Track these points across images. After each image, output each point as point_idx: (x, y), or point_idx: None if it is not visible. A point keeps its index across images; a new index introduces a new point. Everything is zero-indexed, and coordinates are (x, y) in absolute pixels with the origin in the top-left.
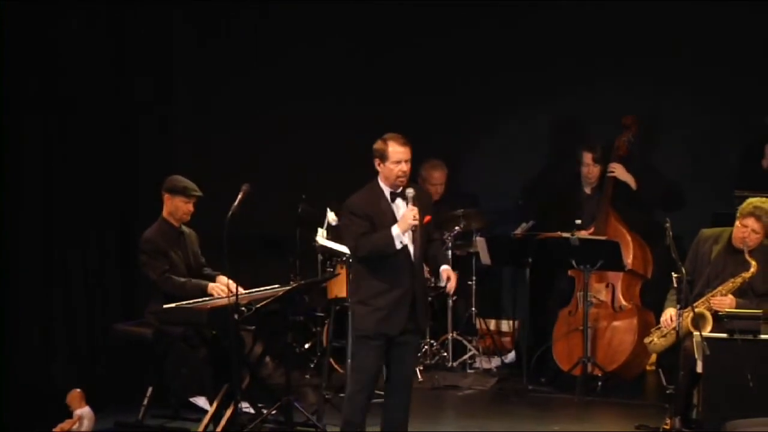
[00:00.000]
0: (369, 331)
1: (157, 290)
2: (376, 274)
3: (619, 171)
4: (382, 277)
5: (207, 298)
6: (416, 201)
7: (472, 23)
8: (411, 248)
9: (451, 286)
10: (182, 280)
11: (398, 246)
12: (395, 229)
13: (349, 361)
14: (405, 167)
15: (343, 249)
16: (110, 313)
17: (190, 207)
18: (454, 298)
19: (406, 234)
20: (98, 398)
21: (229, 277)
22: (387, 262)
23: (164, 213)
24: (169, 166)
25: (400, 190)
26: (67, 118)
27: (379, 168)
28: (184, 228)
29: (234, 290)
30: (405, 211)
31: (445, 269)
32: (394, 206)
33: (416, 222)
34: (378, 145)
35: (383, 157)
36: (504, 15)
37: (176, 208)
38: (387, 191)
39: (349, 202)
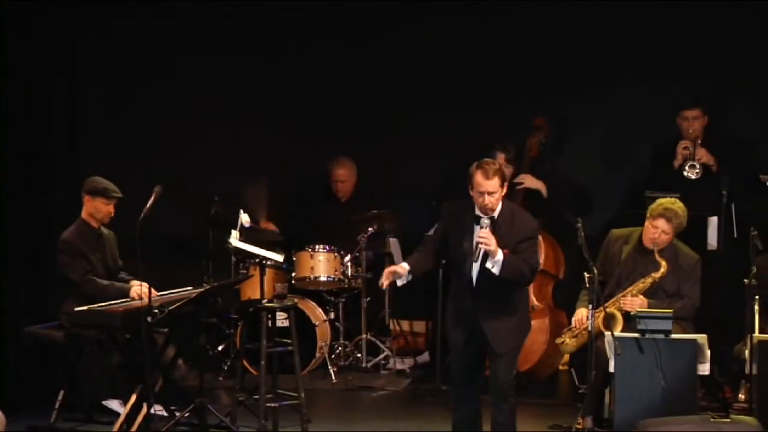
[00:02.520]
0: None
1: (73, 292)
2: (453, 281)
3: (528, 181)
4: (454, 287)
5: (120, 300)
6: (491, 228)
7: (391, 26)
8: (474, 272)
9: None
10: (105, 282)
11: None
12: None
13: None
14: (488, 200)
15: (256, 251)
16: (21, 315)
17: (111, 209)
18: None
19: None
20: (9, 402)
21: (142, 281)
22: (457, 278)
23: (84, 214)
24: (82, 167)
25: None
26: None
27: (470, 193)
28: (104, 230)
29: (145, 288)
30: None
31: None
32: (475, 226)
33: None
34: (471, 169)
35: (471, 184)
36: (419, 17)
37: (96, 209)
38: (477, 209)
39: (445, 204)
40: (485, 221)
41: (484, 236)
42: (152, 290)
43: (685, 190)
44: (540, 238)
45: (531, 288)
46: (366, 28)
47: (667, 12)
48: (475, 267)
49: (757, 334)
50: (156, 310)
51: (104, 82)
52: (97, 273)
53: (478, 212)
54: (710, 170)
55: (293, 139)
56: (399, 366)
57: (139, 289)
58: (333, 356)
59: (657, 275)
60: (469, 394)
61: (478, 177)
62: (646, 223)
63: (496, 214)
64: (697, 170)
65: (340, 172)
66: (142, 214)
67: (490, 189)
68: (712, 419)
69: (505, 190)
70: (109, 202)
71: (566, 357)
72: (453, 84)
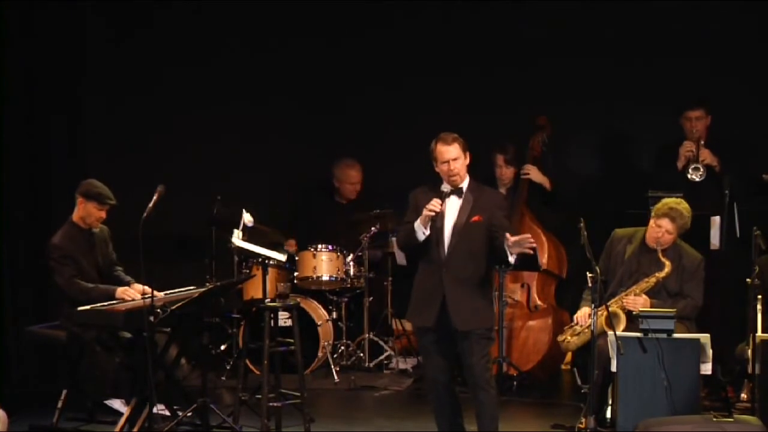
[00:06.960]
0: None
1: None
2: (419, 266)
3: (533, 173)
4: (420, 270)
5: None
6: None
7: (392, 26)
8: (446, 243)
9: (513, 240)
10: (90, 285)
11: (420, 237)
12: (417, 222)
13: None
14: (453, 166)
15: (259, 250)
16: (23, 315)
17: (102, 214)
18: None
19: (428, 226)
20: (12, 401)
21: (144, 283)
22: (424, 257)
23: (74, 216)
24: (83, 167)
25: (459, 186)
26: None
27: (436, 169)
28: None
29: (148, 292)
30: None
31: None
32: (447, 201)
33: (431, 212)
34: (431, 145)
35: (435, 159)
36: (420, 17)
37: (88, 213)
38: (447, 188)
39: (411, 194)
40: (446, 187)
41: (433, 204)
42: (154, 291)
43: (688, 190)
44: (544, 238)
45: (534, 287)
46: (368, 28)
47: (668, 11)
48: (446, 242)
49: (759, 333)
50: (159, 310)
51: (106, 83)
52: (87, 275)
53: (443, 188)
54: (713, 171)
55: (294, 139)
56: (401, 365)
57: (129, 291)
58: (336, 356)
59: (661, 275)
60: (443, 380)
61: (439, 147)
62: (650, 222)
63: (464, 186)
64: (701, 172)
65: (353, 174)
66: (145, 214)
67: (453, 155)
68: (714, 419)
69: (468, 159)
70: (101, 207)
71: (569, 356)
72: (453, 84)
